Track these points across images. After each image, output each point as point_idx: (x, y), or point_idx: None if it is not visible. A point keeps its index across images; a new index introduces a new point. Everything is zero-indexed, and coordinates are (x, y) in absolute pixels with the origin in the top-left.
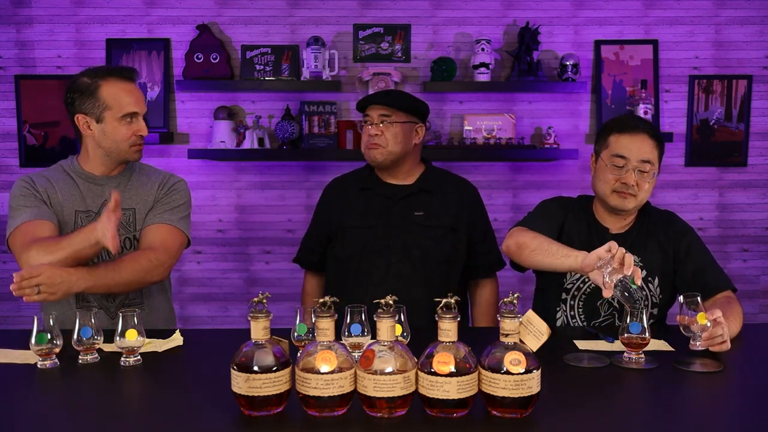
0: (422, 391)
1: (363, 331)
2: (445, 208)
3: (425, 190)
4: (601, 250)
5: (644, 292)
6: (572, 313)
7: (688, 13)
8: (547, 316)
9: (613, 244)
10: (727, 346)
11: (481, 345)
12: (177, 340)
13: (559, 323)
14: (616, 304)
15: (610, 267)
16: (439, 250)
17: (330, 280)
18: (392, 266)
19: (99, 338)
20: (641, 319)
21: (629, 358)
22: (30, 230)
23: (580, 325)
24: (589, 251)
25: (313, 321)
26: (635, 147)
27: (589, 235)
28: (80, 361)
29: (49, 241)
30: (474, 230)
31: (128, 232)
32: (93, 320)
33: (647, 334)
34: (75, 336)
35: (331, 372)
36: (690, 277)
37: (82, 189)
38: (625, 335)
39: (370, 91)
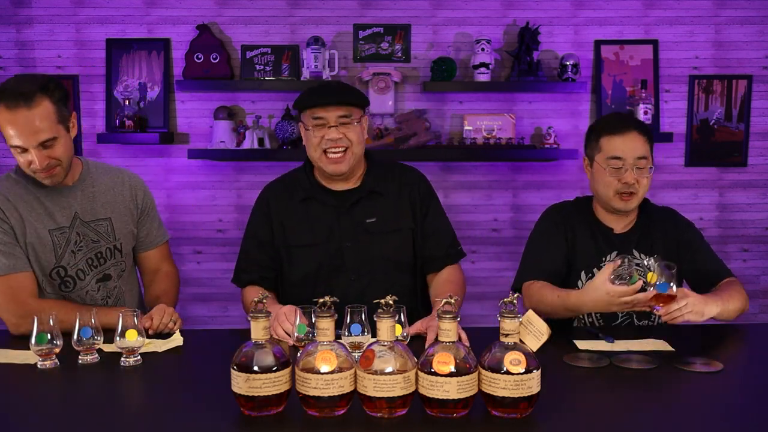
0: (422, 391)
1: (363, 331)
2: (400, 208)
3: (374, 191)
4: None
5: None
6: (590, 318)
7: (688, 13)
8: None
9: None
10: (683, 319)
11: (481, 345)
12: (177, 340)
13: (575, 324)
14: None
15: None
16: (402, 257)
17: (288, 303)
18: (352, 283)
19: (99, 338)
20: (670, 280)
21: (657, 308)
22: (14, 287)
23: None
24: (596, 254)
25: (313, 320)
26: (629, 146)
27: (594, 238)
28: (80, 361)
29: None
30: (427, 224)
31: (108, 242)
32: (93, 320)
33: (675, 289)
34: (75, 336)
35: (331, 372)
36: (694, 267)
37: (46, 203)
38: (653, 290)
39: (371, 92)
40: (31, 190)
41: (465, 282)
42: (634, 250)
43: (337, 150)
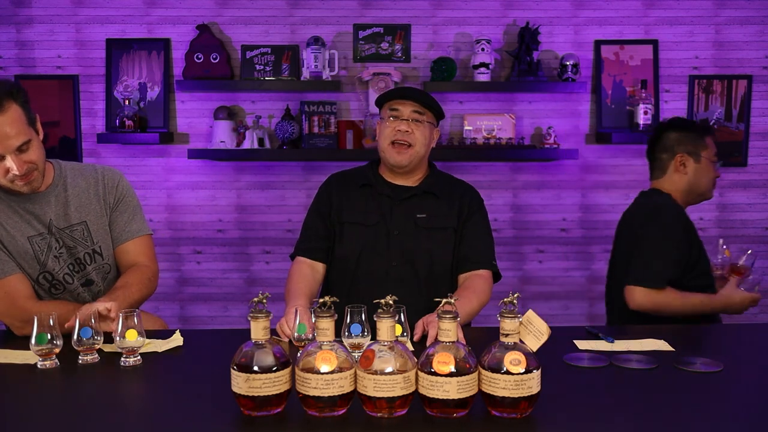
0: (422, 391)
1: (363, 331)
2: (449, 210)
3: (430, 192)
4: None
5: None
6: None
7: (688, 13)
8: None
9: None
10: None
11: (481, 345)
12: (177, 340)
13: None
14: None
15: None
16: (443, 254)
17: (330, 281)
18: (392, 269)
19: (99, 338)
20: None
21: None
22: (10, 291)
23: None
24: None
25: (313, 320)
26: None
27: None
28: (80, 361)
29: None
30: (467, 228)
31: (86, 247)
32: (93, 320)
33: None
34: (75, 336)
35: (331, 372)
36: None
37: (21, 212)
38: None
39: (371, 92)
40: (4, 198)
41: (487, 296)
42: None
43: (403, 142)
